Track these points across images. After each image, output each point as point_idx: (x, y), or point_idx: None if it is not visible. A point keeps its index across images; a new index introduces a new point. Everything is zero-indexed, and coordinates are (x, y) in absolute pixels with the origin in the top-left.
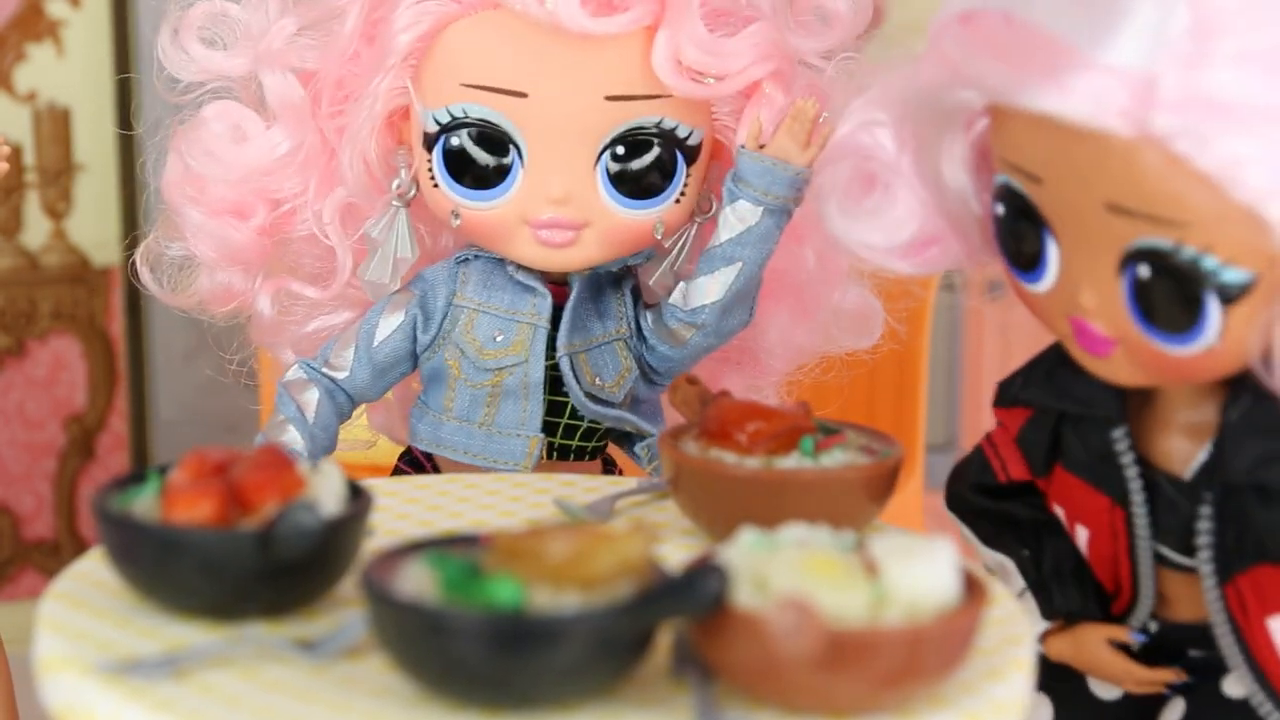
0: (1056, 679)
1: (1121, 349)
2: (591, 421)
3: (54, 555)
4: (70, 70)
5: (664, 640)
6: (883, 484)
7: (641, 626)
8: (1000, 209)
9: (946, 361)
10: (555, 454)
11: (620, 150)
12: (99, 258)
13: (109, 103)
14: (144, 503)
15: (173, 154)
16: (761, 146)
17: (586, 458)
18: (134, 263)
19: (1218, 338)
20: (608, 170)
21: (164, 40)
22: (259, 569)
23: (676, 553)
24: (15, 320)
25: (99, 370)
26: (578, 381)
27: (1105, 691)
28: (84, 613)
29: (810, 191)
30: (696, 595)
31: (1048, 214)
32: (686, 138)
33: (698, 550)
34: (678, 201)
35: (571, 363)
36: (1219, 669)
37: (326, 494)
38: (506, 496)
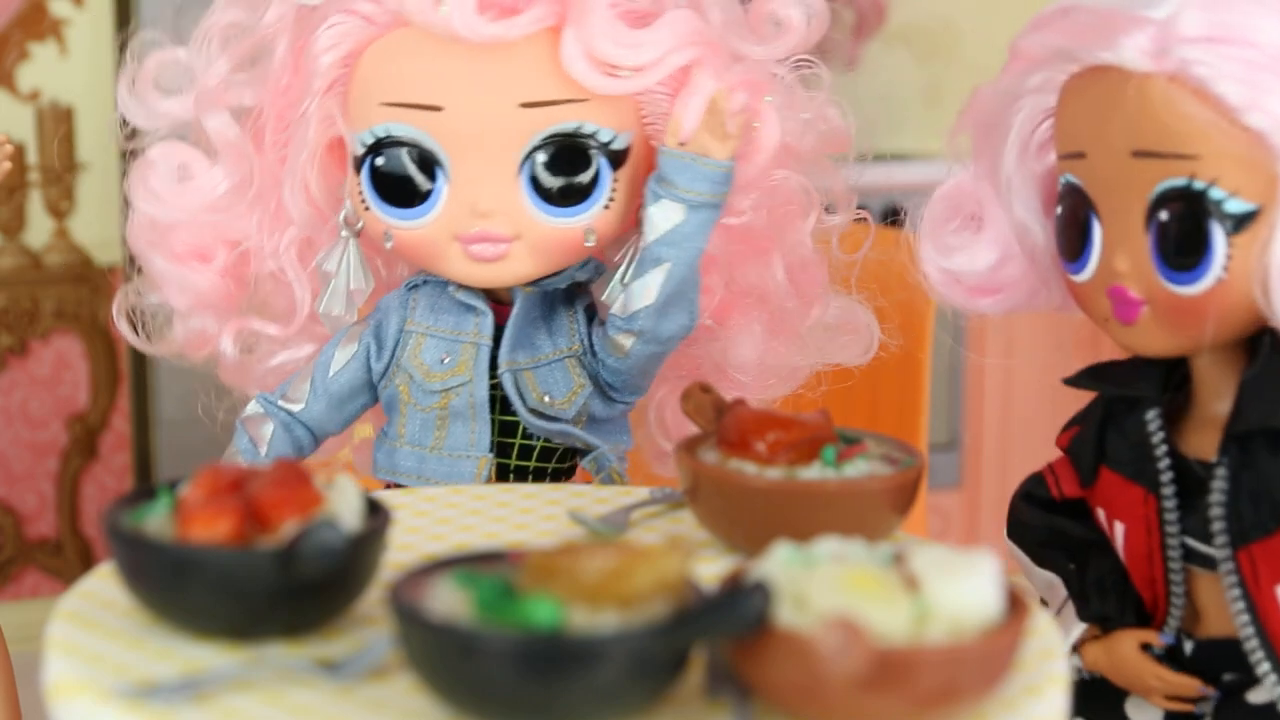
0: (1092, 701)
1: (1148, 309)
2: (545, 441)
3: (56, 554)
4: (73, 69)
5: (697, 658)
6: (907, 494)
7: (682, 646)
8: (1060, 209)
9: (949, 360)
10: (512, 475)
11: (542, 158)
12: (101, 257)
13: (112, 102)
14: (156, 520)
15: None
16: (683, 144)
17: (547, 479)
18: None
19: (1224, 269)
20: (531, 179)
21: (122, 93)
22: (280, 588)
23: (695, 565)
24: (18, 319)
25: (101, 369)
26: (522, 398)
27: (1142, 716)
28: (95, 634)
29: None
30: (741, 614)
31: (1091, 190)
32: (610, 141)
33: (714, 562)
34: (606, 208)
35: (515, 380)
36: (1248, 686)
37: (345, 510)
38: (517, 509)
